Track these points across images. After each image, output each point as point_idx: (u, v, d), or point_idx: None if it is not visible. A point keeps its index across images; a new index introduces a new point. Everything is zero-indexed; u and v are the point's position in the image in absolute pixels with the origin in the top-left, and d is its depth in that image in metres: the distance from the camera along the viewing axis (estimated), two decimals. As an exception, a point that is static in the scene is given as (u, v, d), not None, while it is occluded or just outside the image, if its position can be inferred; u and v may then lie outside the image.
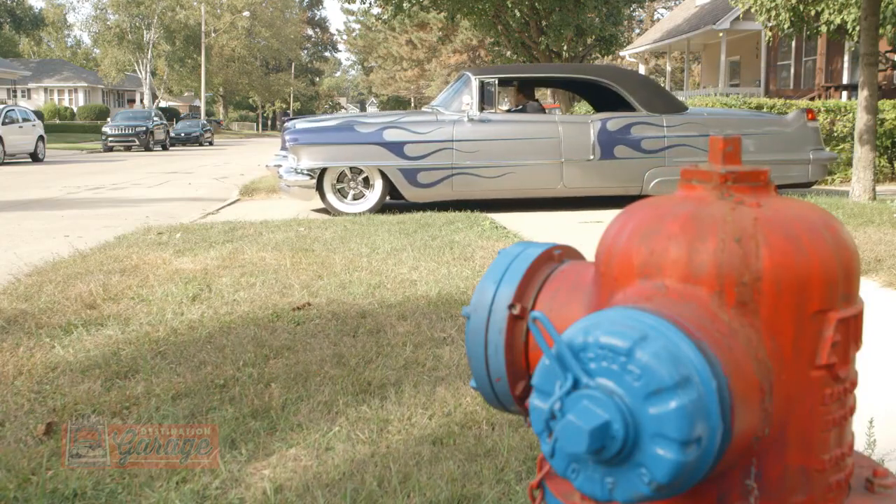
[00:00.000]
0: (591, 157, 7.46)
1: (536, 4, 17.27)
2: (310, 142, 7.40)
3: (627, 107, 7.79)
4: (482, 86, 7.51)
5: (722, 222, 0.60)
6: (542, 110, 8.22)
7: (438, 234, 5.74)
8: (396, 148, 7.35)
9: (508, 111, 8.25)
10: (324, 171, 7.42)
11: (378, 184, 7.50)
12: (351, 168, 7.49)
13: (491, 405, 0.78)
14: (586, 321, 0.58)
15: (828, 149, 8.27)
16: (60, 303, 3.67)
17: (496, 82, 7.62)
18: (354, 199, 7.58)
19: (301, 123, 7.77)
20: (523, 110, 8.11)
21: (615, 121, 7.56)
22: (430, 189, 7.49)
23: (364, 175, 7.55)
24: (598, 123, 7.55)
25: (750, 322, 0.59)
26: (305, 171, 7.37)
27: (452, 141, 7.38)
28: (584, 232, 6.24)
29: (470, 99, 7.54)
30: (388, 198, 7.68)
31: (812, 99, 14.87)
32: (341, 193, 7.56)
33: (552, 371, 0.58)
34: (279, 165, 7.68)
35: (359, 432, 2.22)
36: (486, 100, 7.53)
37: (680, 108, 7.86)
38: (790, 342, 0.59)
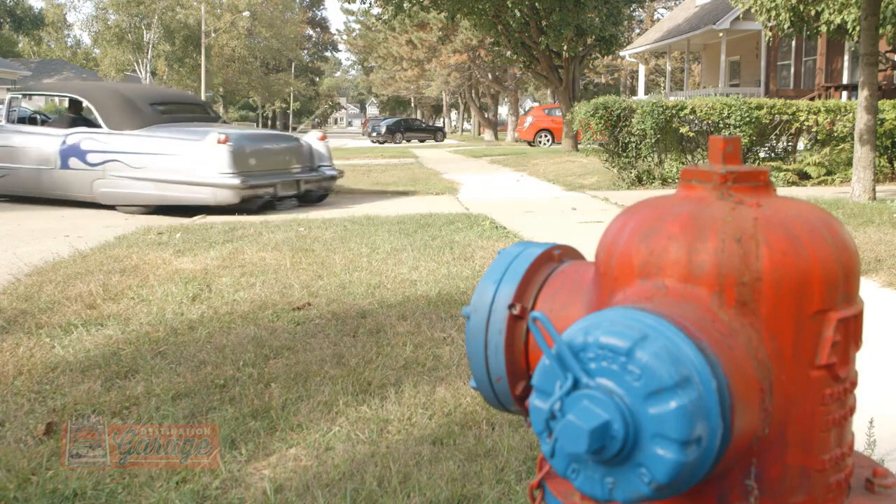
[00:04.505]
0: (53, 166, 8.54)
1: (536, 4, 17.29)
2: None
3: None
4: None
5: (722, 222, 0.60)
6: (63, 122, 9.19)
7: (438, 234, 5.74)
8: None
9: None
10: None
11: None
12: None
13: (491, 405, 0.78)
14: (586, 321, 0.58)
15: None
16: (60, 303, 3.67)
17: (21, 97, 9.44)
18: None
19: None
20: (46, 119, 9.56)
21: (75, 135, 8.49)
22: None
23: None
24: (62, 137, 8.54)
25: (750, 322, 0.59)
26: None
27: None
28: (584, 232, 6.24)
29: None
30: None
31: (812, 99, 14.86)
32: None
33: (552, 371, 0.57)
34: None
35: (359, 432, 2.22)
36: None
37: (140, 124, 8.35)
38: (790, 342, 0.59)
